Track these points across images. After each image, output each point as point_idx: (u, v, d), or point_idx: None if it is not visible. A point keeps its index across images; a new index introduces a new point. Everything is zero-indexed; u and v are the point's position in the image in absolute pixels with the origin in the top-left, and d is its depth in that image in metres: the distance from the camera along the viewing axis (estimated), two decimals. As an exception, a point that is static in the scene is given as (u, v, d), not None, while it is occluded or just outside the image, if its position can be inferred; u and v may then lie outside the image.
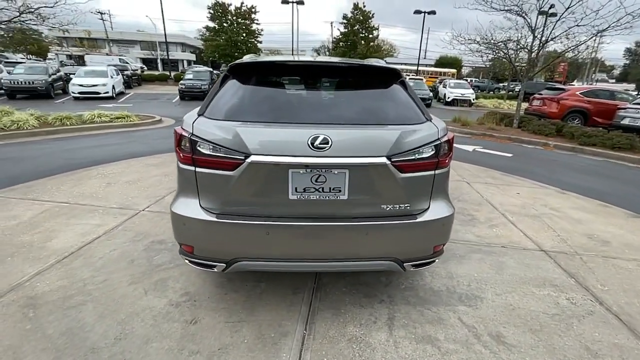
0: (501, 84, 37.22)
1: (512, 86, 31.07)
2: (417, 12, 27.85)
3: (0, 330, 1.86)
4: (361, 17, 37.74)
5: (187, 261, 1.92)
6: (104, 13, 46.77)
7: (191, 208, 1.75)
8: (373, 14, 38.04)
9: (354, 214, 1.82)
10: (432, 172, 1.83)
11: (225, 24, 36.46)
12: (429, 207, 1.88)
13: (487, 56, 12.75)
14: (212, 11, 36.28)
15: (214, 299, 2.20)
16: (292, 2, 28.84)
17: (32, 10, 7.85)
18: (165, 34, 28.48)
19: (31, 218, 3.26)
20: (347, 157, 1.71)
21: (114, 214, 3.42)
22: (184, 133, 1.73)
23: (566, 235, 3.40)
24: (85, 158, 5.74)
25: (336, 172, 1.73)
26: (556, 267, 2.77)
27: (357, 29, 37.91)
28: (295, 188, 1.75)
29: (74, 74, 17.32)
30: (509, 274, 2.64)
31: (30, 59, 25.18)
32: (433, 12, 27.64)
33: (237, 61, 2.03)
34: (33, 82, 15.13)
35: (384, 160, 1.73)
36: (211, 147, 1.70)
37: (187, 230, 1.78)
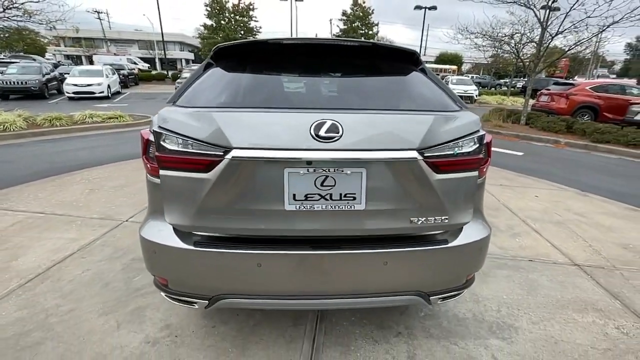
0: (502, 80, 36.75)
1: (514, 82, 30.62)
2: (418, 7, 27.46)
3: None
4: (361, 14, 37.25)
5: (163, 295, 1.57)
6: (101, 12, 46.28)
7: (163, 233, 1.39)
8: (373, 10, 37.56)
9: (375, 230, 1.41)
10: (475, 174, 1.45)
11: (222, 22, 35.98)
12: (469, 221, 1.50)
13: (490, 51, 12.38)
14: (209, 8, 35.80)
15: (199, 333, 1.85)
16: (291, -1, 28.41)
17: (17, 5, 7.50)
18: (162, 33, 28.07)
19: (-1, 232, 2.91)
20: (363, 151, 1.30)
21: (93, 226, 3.06)
22: (151, 137, 1.37)
23: (599, 245, 3.04)
24: (72, 161, 5.38)
25: (349, 172, 1.32)
26: (595, 286, 2.42)
27: (357, 26, 37.41)
28: (294, 195, 1.34)
29: (68, 73, 16.94)
30: (543, 295, 2.28)
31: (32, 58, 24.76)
32: (434, 8, 27.24)
33: (223, 44, 1.67)
34: (26, 82, 14.76)
35: (414, 154, 1.31)
36: (179, 140, 1.30)
37: (159, 259, 1.43)
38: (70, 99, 15.18)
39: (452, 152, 1.38)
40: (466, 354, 1.77)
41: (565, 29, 9.43)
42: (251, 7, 36.56)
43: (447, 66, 37.68)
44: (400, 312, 2.07)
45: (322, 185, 1.33)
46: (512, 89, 27.66)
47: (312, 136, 1.28)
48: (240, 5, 36.15)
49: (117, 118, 9.26)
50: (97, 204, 3.57)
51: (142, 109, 12.00)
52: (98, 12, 45.58)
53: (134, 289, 2.21)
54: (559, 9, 9.71)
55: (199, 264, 1.37)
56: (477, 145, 1.42)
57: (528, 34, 10.49)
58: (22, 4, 7.48)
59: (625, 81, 20.56)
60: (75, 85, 15.33)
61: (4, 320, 1.90)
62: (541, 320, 2.04)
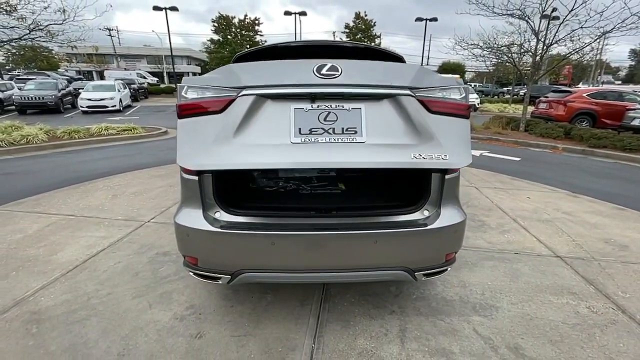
0: (505, 88, 37.11)
1: (516, 90, 30.92)
2: (419, 19, 28.04)
3: (2, 347, 1.82)
4: (363, 26, 38.14)
5: (191, 273, 1.87)
6: (112, 29, 47.96)
7: (195, 218, 1.70)
8: (375, 22, 38.43)
9: (377, 163, 1.51)
10: (466, 121, 1.64)
11: (229, 37, 37.13)
12: (470, 163, 1.61)
13: (491, 61, 12.75)
14: (216, 24, 37.00)
15: (219, 311, 2.15)
16: (295, 14, 29.27)
17: (42, 27, 8.08)
18: (170, 48, 29.04)
19: (37, 231, 3.26)
20: (361, 87, 1.48)
21: (119, 226, 3.40)
22: None
23: (581, 240, 3.29)
24: (92, 170, 5.78)
25: (349, 107, 1.51)
26: (573, 274, 2.66)
27: (359, 38, 38.27)
28: (299, 129, 1.49)
29: (82, 88, 17.69)
30: (524, 282, 2.54)
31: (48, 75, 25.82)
32: (434, 19, 27.79)
33: (241, 52, 2.01)
34: (43, 98, 15.49)
35: (406, 91, 1.51)
36: (199, 90, 1.52)
37: (191, 241, 1.74)
38: (84, 112, 15.86)
39: (441, 96, 1.60)
40: (451, 328, 2.03)
41: (560, 39, 9.76)
42: (257, 22, 37.70)
43: (449, 75, 38.20)
44: (395, 294, 2.34)
45: (325, 120, 1.52)
46: (515, 96, 27.96)
47: (314, 74, 1.50)
48: (246, 20, 37.31)
49: (131, 130, 9.75)
50: (120, 208, 3.92)
51: (153, 121, 12.52)
52: (109, 30, 47.26)
53: (160, 277, 2.52)
54: (558, 18, 10.06)
55: (224, 243, 1.68)
56: (464, 94, 1.65)
57: (526, 45, 10.85)
58: (46, 26, 8.08)
59: (630, 87, 20.75)
60: (89, 99, 16.03)
61: (53, 302, 2.22)
62: (520, 301, 2.30)
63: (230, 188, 1.99)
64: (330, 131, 1.52)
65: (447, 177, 1.76)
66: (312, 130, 1.51)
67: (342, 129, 1.52)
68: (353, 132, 1.52)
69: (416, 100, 1.56)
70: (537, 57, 10.16)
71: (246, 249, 1.68)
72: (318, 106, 1.52)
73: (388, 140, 1.54)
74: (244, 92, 1.49)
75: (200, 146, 1.50)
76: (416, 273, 1.79)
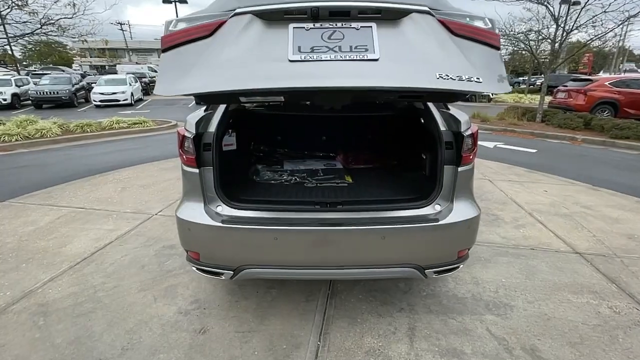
0: (521, 78, 35.89)
1: (533, 80, 29.87)
2: (431, 7, 27.25)
3: (9, 339, 1.84)
4: (374, 16, 37.32)
5: (194, 268, 1.84)
6: (124, 24, 48.36)
7: (196, 213, 1.66)
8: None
9: (393, 82, 1.24)
10: (497, 51, 1.38)
11: (238, 29, 36.97)
12: (504, 92, 1.36)
13: (506, 49, 12.30)
14: (225, 17, 36.87)
15: (224, 306, 2.11)
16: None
17: (53, 22, 8.14)
18: (181, 41, 29.10)
19: (48, 224, 3.29)
20: (370, 2, 1.29)
21: (127, 219, 3.41)
22: (186, 133, 1.64)
23: (603, 235, 3.12)
24: (103, 163, 5.83)
25: (358, 26, 1.30)
26: (594, 271, 2.53)
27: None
28: (299, 47, 1.27)
29: (95, 83, 17.95)
30: (541, 279, 2.42)
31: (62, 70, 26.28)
32: (448, 7, 26.97)
33: None
34: (57, 92, 15.78)
35: (425, 8, 1.32)
36: (188, 20, 1.36)
37: (193, 236, 1.70)
38: (97, 106, 16.08)
39: (464, 21, 1.38)
40: (462, 327, 1.95)
41: (580, 25, 9.29)
42: (265, 13, 37.35)
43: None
44: (404, 291, 2.26)
45: (329, 38, 1.30)
46: (531, 86, 27.00)
47: None
48: (255, 11, 37.02)
49: (141, 123, 9.82)
50: (128, 200, 3.93)
51: (163, 115, 12.59)
52: (121, 24, 47.66)
53: (166, 270, 2.51)
54: (579, 3, 9.54)
55: (225, 238, 1.63)
56: (490, 25, 1.41)
57: (544, 32, 10.39)
58: (57, 20, 8.13)
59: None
60: (102, 94, 16.25)
61: (60, 294, 2.23)
62: (536, 300, 2.19)
63: (232, 181, 1.94)
64: (336, 49, 1.28)
65: (460, 169, 1.66)
66: (314, 48, 1.28)
67: (350, 46, 1.28)
68: (363, 49, 1.28)
69: (436, 21, 1.34)
70: (556, 45, 9.71)
71: (249, 244, 1.63)
72: (321, 25, 1.31)
73: (405, 56, 1.29)
74: (237, 11, 1.33)
75: (183, 71, 1.29)
76: (426, 270, 1.70)
